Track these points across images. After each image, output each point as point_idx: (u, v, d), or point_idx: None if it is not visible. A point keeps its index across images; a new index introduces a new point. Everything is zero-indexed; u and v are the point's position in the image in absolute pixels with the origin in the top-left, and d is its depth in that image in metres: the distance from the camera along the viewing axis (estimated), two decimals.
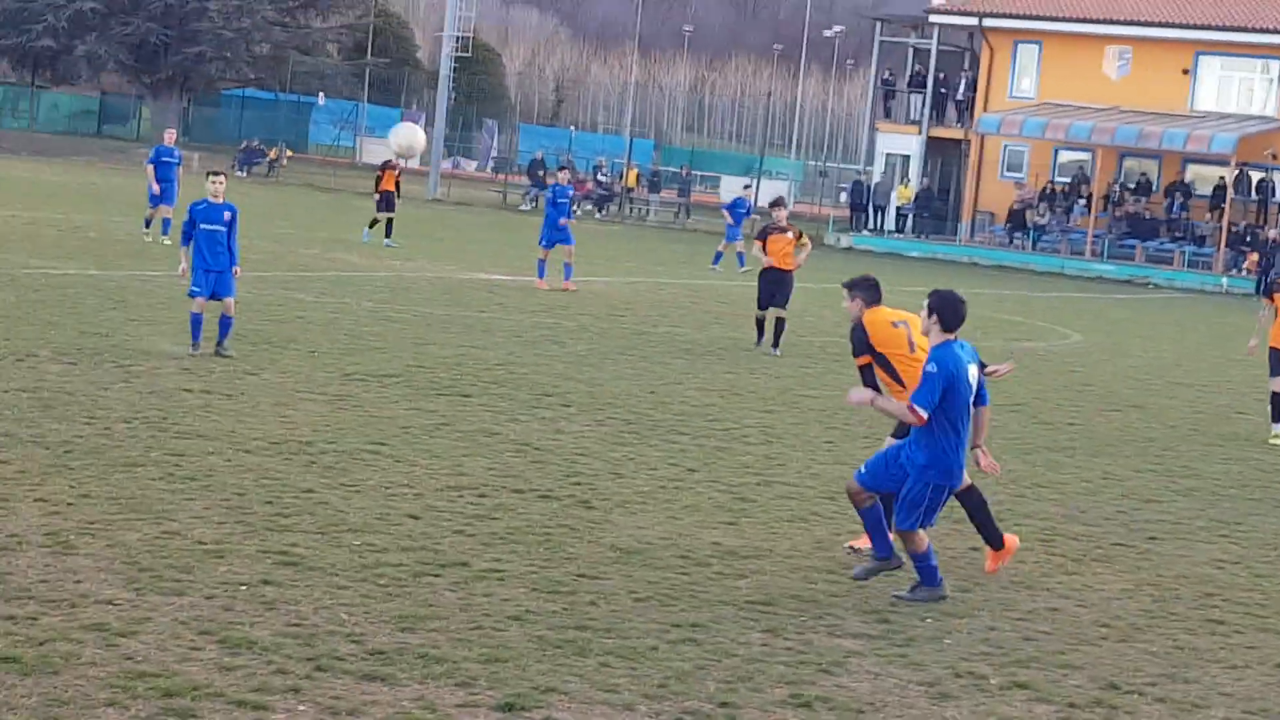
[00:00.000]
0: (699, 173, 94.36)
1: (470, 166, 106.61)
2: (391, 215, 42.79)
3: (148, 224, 37.22)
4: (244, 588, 10.74)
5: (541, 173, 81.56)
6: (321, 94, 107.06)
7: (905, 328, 13.44)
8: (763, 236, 27.87)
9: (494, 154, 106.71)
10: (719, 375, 23.79)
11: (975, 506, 13.25)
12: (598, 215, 77.40)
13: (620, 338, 27.48)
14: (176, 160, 37.23)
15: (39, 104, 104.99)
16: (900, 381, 13.26)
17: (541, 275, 34.95)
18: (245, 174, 78.78)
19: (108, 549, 11.31)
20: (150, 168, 36.84)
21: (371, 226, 42.95)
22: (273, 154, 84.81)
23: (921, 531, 12.07)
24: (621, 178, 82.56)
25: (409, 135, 15.49)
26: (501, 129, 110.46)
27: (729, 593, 11.83)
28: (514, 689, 9.30)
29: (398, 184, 43.65)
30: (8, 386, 17.03)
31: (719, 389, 22.34)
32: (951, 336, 12.08)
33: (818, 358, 27.41)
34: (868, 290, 13.63)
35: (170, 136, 38.27)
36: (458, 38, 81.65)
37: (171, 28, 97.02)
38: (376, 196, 43.31)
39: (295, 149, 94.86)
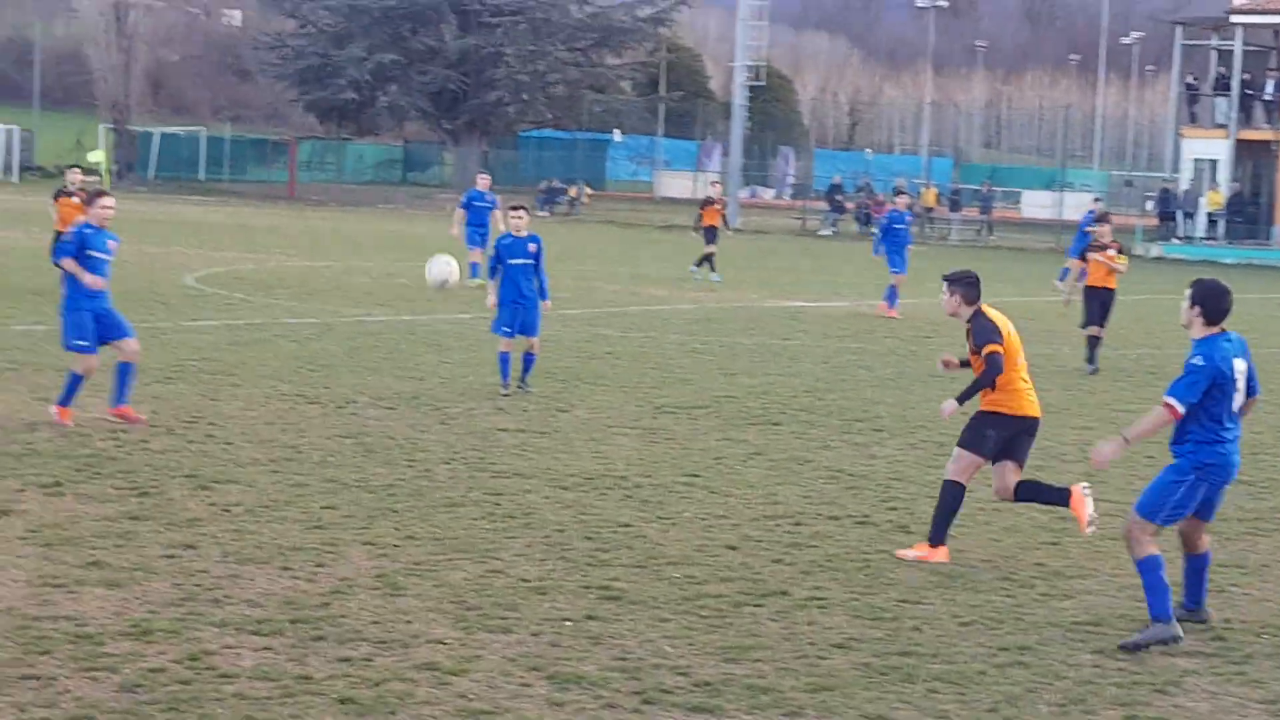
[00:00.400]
0: (1000, 189, 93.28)
1: (767, 194, 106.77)
2: (713, 250, 42.74)
3: (475, 270, 36.22)
4: (569, 623, 10.85)
5: (839, 197, 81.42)
6: (617, 130, 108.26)
7: (1015, 333, 13.50)
8: (1083, 254, 27.45)
9: (791, 180, 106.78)
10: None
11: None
12: None
13: (928, 359, 27.21)
14: (489, 204, 37.06)
15: (345, 156, 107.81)
16: (993, 384, 13.21)
17: (893, 304, 34.60)
18: (547, 213, 79.88)
19: (435, 589, 11.51)
20: (461, 212, 37.01)
21: (700, 263, 42.70)
22: (572, 192, 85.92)
23: (1153, 534, 11.18)
24: (920, 198, 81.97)
25: (442, 271, 15.58)
26: (797, 155, 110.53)
27: (1055, 614, 11.64)
28: (842, 717, 9.25)
29: (723, 218, 43.78)
30: (330, 433, 17.47)
31: None
32: (1217, 329, 11.23)
33: (1132, 372, 26.88)
34: (969, 288, 13.63)
35: (484, 181, 38.12)
36: (750, 67, 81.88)
37: (469, 74, 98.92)
38: (697, 232, 43.33)
39: (594, 186, 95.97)
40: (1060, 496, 13.40)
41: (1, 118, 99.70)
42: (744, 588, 11.95)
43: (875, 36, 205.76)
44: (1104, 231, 27.31)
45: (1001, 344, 13.29)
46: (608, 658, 10.17)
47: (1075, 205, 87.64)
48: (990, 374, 13.21)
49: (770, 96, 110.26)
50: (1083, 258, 27.37)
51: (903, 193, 37.63)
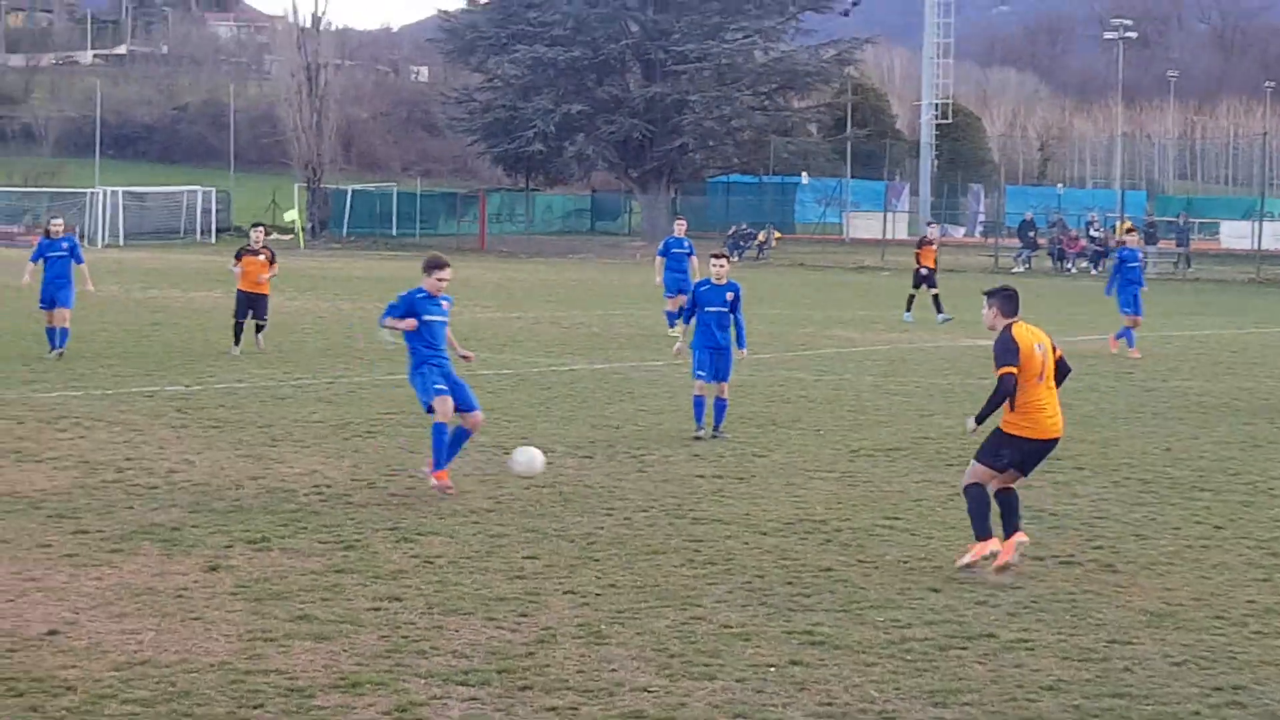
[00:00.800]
0: (1196, 220, 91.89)
1: (958, 232, 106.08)
2: (936, 291, 42.35)
3: (671, 319, 35.94)
4: (773, 669, 10.80)
5: (1032, 233, 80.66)
6: (805, 173, 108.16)
7: (1041, 353, 13.74)
8: None
9: (981, 218, 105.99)
10: (1236, 428, 23.03)
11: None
12: (1094, 271, 75.98)
13: (1128, 395, 26.87)
14: (687, 250, 36.90)
15: (534, 206, 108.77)
16: (1013, 404, 13.64)
17: (1131, 344, 33.73)
18: (737, 258, 79.92)
19: (638, 637, 11.52)
20: (660, 260, 36.85)
21: (934, 302, 42.30)
22: (761, 236, 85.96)
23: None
24: (1115, 232, 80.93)
25: (526, 463, 15.42)
26: (987, 192, 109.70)
27: (1270, 652, 11.38)
28: None
29: (935, 259, 43.56)
30: (529, 483, 17.56)
31: (1238, 442, 21.62)
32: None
33: None
34: (1005, 301, 13.89)
35: (681, 227, 37.98)
36: (936, 104, 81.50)
37: (654, 122, 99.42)
38: (922, 271, 42.96)
39: (782, 230, 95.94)
40: (1011, 527, 13.80)
41: (199, 180, 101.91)
42: (949, 630, 11.83)
43: (1063, 70, 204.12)
44: None
45: (1016, 366, 13.64)
46: (813, 704, 10.11)
47: (1274, 235, 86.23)
48: (999, 396, 13.66)
49: (958, 134, 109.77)
50: None
51: (1133, 230, 36.30)
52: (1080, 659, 11.15)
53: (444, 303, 17.46)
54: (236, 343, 30.70)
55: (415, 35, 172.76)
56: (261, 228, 32.66)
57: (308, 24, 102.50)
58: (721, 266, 21.41)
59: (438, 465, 17.02)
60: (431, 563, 13.68)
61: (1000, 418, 13.89)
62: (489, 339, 34.84)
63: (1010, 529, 13.78)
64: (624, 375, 28.19)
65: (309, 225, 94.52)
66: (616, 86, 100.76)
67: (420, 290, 17.29)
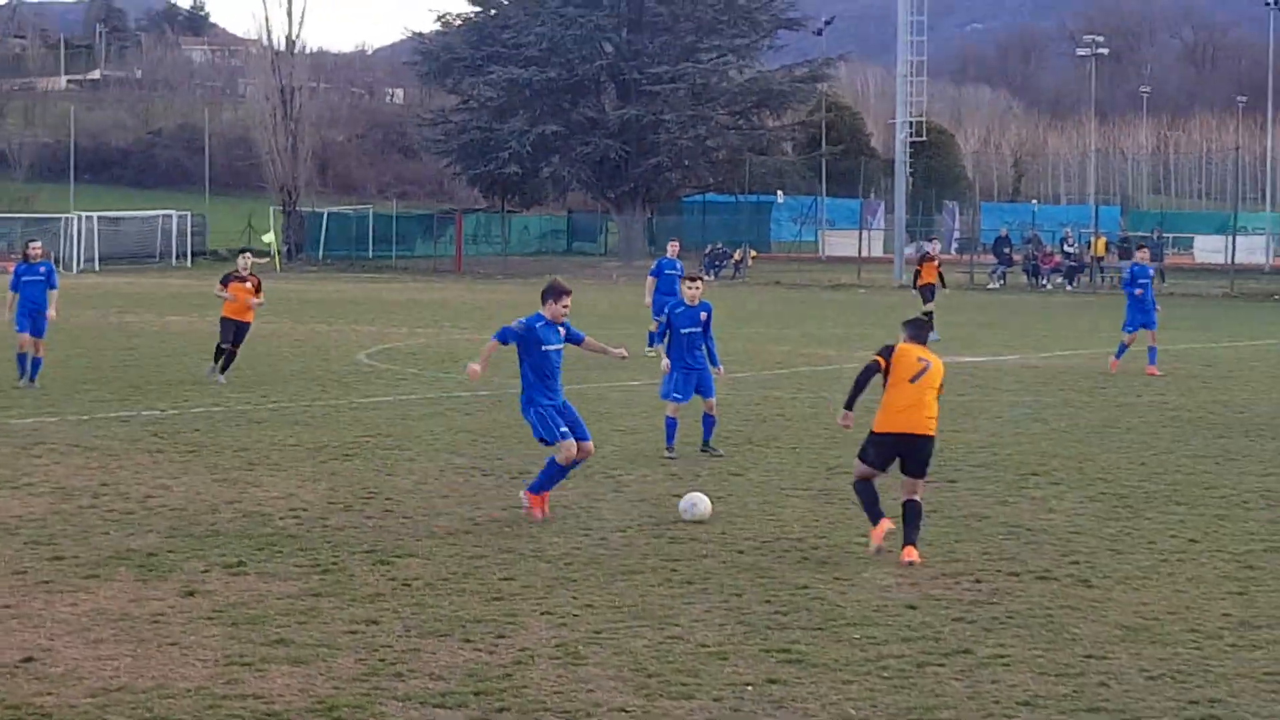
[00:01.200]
0: (1170, 235, 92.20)
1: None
2: (931, 308, 42.22)
3: (653, 339, 35.96)
4: (750, 688, 10.81)
5: (1007, 250, 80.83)
6: (780, 192, 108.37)
7: (922, 363, 15.24)
8: None
9: (956, 235, 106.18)
10: (1211, 442, 23.10)
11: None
12: (1069, 287, 76.21)
13: (1103, 410, 26.94)
14: (680, 272, 36.66)
15: (510, 228, 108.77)
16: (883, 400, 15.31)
17: (1118, 356, 33.43)
18: (713, 277, 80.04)
19: (615, 657, 11.52)
20: (651, 280, 36.61)
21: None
22: (737, 255, 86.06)
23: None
24: (1090, 247, 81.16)
25: (697, 508, 15.12)
26: (962, 209, 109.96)
27: (1245, 665, 11.42)
28: None
29: (940, 276, 43.46)
30: (505, 504, 17.57)
31: (1212, 456, 21.69)
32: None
33: None
34: (910, 329, 15.63)
35: (674, 249, 37.80)
36: (910, 122, 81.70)
37: (630, 143, 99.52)
38: (915, 291, 42.90)
39: (758, 248, 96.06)
40: (906, 539, 14.94)
41: (174, 204, 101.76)
42: (925, 647, 11.85)
43: (1036, 86, 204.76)
44: None
45: (885, 359, 15.29)
46: None
47: (1248, 249, 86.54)
48: (860, 381, 15.40)
49: (932, 151, 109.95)
50: None
51: (1144, 246, 35.59)
52: (1056, 674, 11.18)
53: (561, 329, 17.21)
54: (217, 364, 29.97)
55: (390, 58, 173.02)
56: (249, 254, 32.36)
57: (282, 47, 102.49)
58: (695, 289, 21.54)
59: (535, 489, 16.89)
60: (408, 585, 13.67)
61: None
62: (466, 360, 34.78)
63: (905, 539, 14.93)
64: (600, 395, 28.20)
65: (285, 248, 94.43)
66: (591, 107, 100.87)
67: (540, 317, 17.02)
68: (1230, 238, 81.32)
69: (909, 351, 15.35)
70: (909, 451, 15.23)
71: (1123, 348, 33.59)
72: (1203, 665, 11.43)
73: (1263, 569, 14.58)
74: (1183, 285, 75.10)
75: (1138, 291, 33.45)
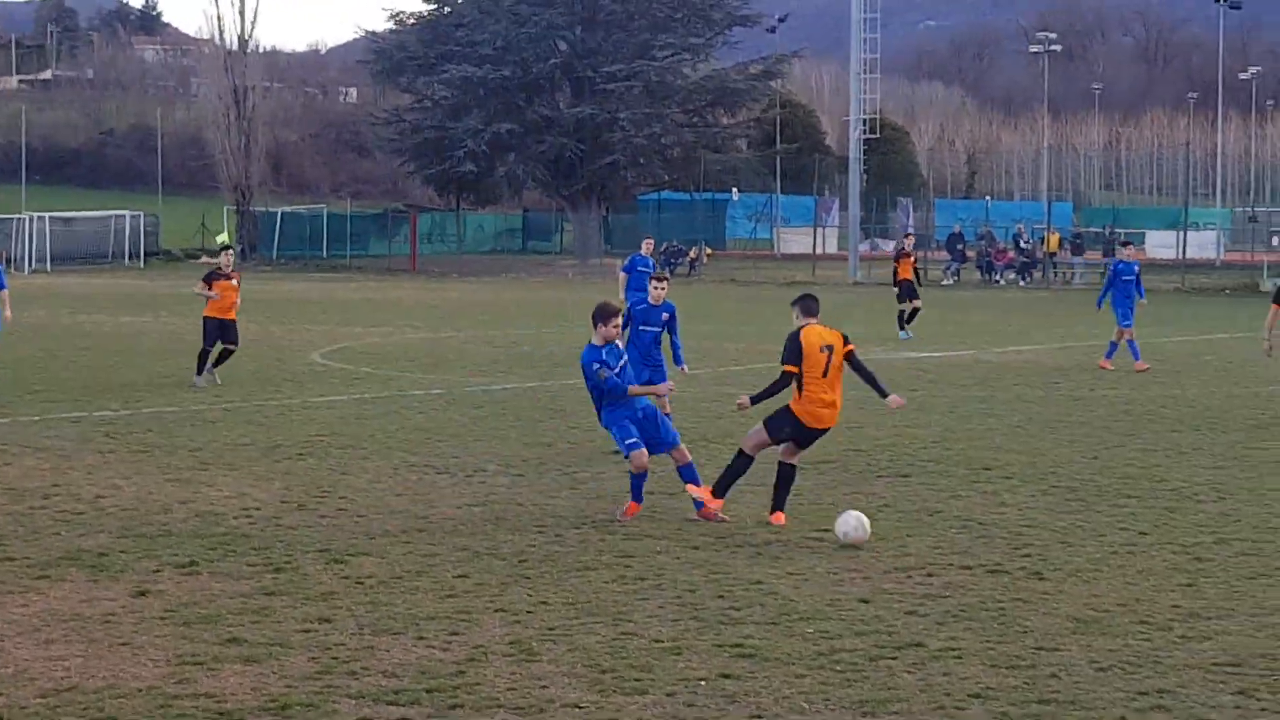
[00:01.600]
0: (1122, 230, 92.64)
1: (888, 246, 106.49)
2: (918, 305, 42.04)
3: None
4: (703, 682, 10.84)
5: (960, 246, 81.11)
6: (735, 189, 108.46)
7: (826, 354, 16.09)
8: None
9: (910, 232, 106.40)
10: (1161, 436, 23.23)
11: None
12: (1021, 283, 76.50)
13: (1056, 405, 27.07)
14: (651, 269, 36.53)
15: (465, 227, 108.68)
16: (800, 390, 16.12)
17: (1136, 355, 32.98)
18: (668, 274, 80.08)
19: (569, 653, 11.54)
20: (623, 276, 36.45)
21: (909, 320, 41.92)
22: (693, 253, 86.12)
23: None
24: (1043, 243, 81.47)
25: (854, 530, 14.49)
26: (916, 206, 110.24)
27: (1194, 656, 11.50)
28: None
29: (916, 271, 43.23)
30: (460, 502, 17.58)
31: (1163, 449, 21.81)
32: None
33: (1265, 405, 26.55)
34: (802, 303, 16.37)
35: (648, 246, 37.64)
36: (864, 119, 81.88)
37: (585, 141, 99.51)
38: (896, 288, 42.70)
39: (714, 246, 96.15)
40: (778, 503, 16.38)
41: (127, 204, 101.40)
42: (878, 640, 11.90)
43: (990, 83, 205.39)
44: None
45: (797, 366, 16.10)
46: (743, 715, 10.15)
47: (1199, 244, 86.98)
48: (774, 387, 16.26)
49: (886, 148, 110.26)
50: None
51: (1129, 243, 35.21)
52: (1008, 666, 11.23)
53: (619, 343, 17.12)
54: (200, 372, 29.27)
55: (344, 56, 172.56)
56: (231, 250, 31.88)
57: (234, 46, 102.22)
58: (661, 288, 21.58)
59: (635, 499, 16.86)
60: (362, 583, 13.67)
61: (791, 397, 16.31)
62: (420, 359, 34.81)
63: (777, 504, 16.34)
64: (555, 393, 28.22)
65: (239, 248, 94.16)
66: (546, 106, 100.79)
67: (595, 351, 16.77)
68: (1181, 233, 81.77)
69: (812, 343, 16.15)
70: (814, 438, 16.58)
71: (1131, 344, 33.04)
72: (1152, 656, 11.50)
73: (1211, 561, 14.68)
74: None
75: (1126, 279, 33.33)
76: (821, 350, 16.20)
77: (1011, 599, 13.20)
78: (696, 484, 16.82)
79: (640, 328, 21.30)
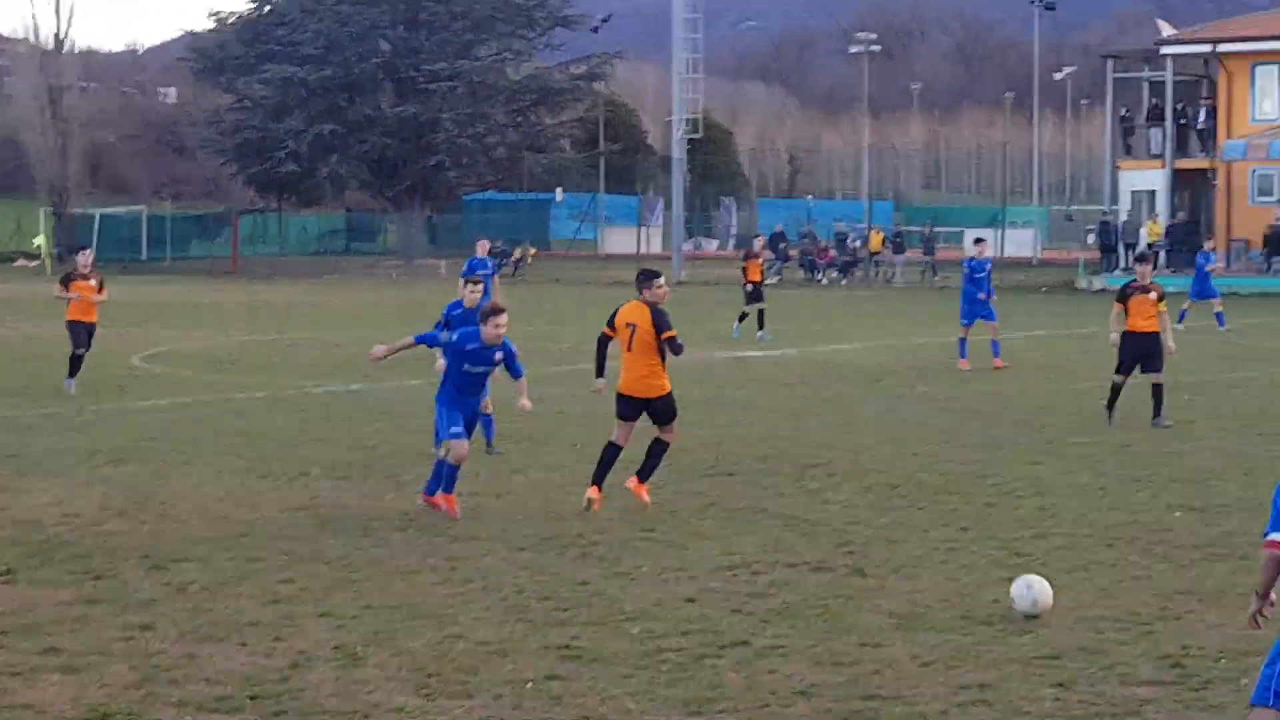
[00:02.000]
0: (942, 229, 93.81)
1: (711, 246, 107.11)
2: (763, 306, 41.84)
3: None
4: (530, 684, 10.84)
5: (783, 245, 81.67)
6: (559, 189, 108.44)
7: (630, 330, 17.02)
8: (1124, 298, 24.53)
9: (734, 231, 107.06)
10: (981, 433, 23.56)
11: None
12: (843, 281, 77.23)
13: (879, 403, 27.35)
14: (491, 271, 36.24)
15: (288, 228, 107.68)
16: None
17: (963, 355, 33.12)
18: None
19: (394, 657, 11.49)
20: (462, 281, 36.05)
21: (741, 320, 41.95)
22: (517, 253, 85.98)
23: None
24: (865, 242, 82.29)
25: (1037, 600, 12.92)
26: (739, 205, 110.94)
27: (1014, 650, 11.67)
28: None
29: (762, 273, 43.15)
30: (284, 507, 17.43)
31: (982, 446, 22.12)
32: None
33: (1082, 401, 27.01)
34: (638, 277, 17.44)
35: (483, 248, 37.41)
36: (687, 120, 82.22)
37: (408, 141, 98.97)
38: (748, 288, 42.53)
39: (538, 246, 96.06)
40: (643, 472, 17.38)
41: None
42: (704, 640, 11.96)
43: (811, 84, 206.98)
44: (1145, 273, 24.69)
45: (608, 328, 17.31)
46: (570, 717, 10.17)
47: (1017, 243, 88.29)
48: (597, 354, 17.70)
49: (709, 148, 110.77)
50: (1124, 301, 24.48)
51: (981, 240, 35.53)
52: (832, 663, 11.34)
53: (498, 354, 17.33)
54: (72, 375, 28.46)
55: (163, 56, 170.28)
56: (88, 249, 31.05)
57: (50, 45, 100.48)
58: (475, 293, 21.21)
59: (446, 489, 16.92)
60: (184, 590, 13.51)
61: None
62: (243, 362, 34.47)
63: (641, 473, 17.38)
64: (380, 396, 28.06)
65: (56, 251, 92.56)
66: (369, 105, 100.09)
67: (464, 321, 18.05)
68: (1000, 231, 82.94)
69: (621, 316, 17.17)
70: (648, 409, 17.24)
71: (963, 344, 33.28)
72: (973, 651, 11.66)
73: (1031, 555, 14.91)
74: (955, 279, 76.36)
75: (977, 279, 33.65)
76: (627, 326, 17.08)
77: (835, 596, 13.33)
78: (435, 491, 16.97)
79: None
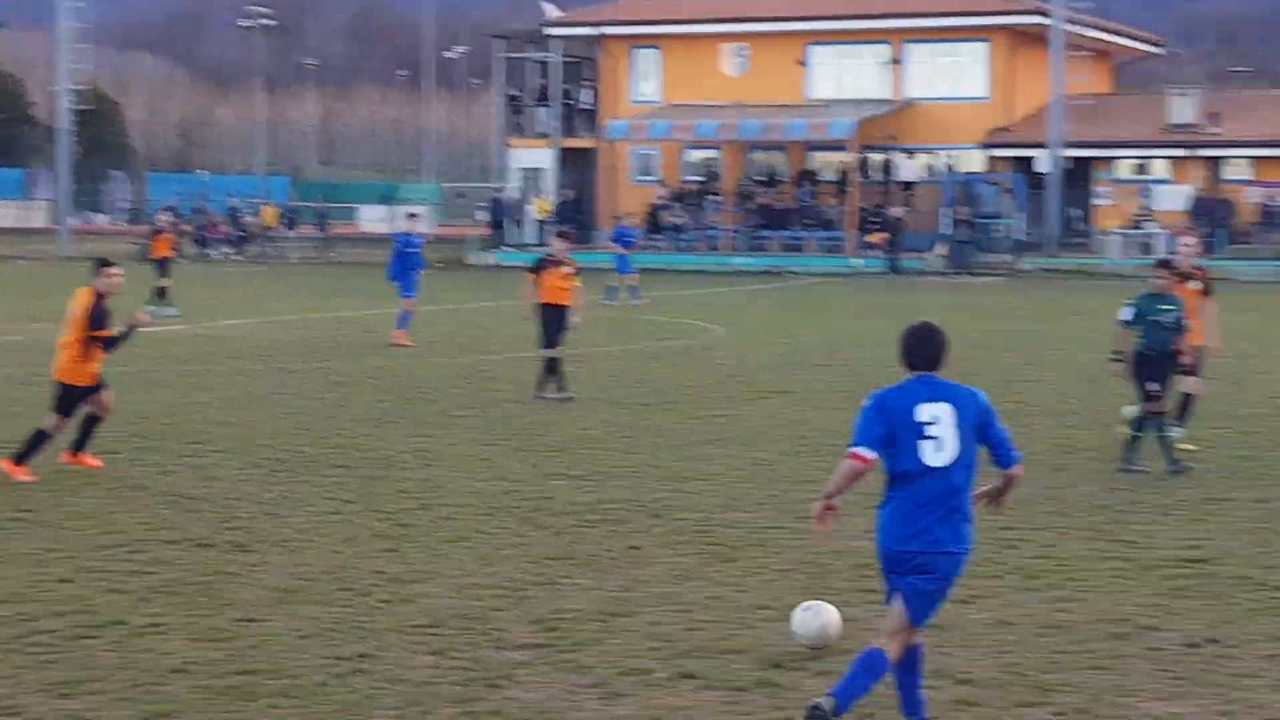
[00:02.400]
0: (337, 205, 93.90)
1: (101, 220, 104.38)
2: (168, 283, 40.90)
3: None
4: None
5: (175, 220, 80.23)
6: None
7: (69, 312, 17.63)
8: (537, 270, 24.88)
9: (126, 205, 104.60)
10: (371, 406, 23.68)
11: None
12: (235, 257, 76.48)
13: (271, 377, 27.19)
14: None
15: None
16: None
17: (404, 327, 32.84)
18: None
19: None
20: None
21: (162, 295, 40.35)
22: None
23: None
24: (260, 217, 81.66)
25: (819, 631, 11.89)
26: (131, 179, 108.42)
27: (394, 619, 11.80)
28: None
29: (175, 249, 42.11)
30: None
31: (372, 419, 22.24)
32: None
33: (472, 374, 27.46)
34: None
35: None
36: (74, 90, 79.89)
37: None
38: (154, 265, 41.19)
39: None
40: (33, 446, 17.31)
41: None
42: (79, 620, 11.68)
43: (202, 57, 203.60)
44: (561, 248, 25.19)
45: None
46: None
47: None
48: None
49: (98, 120, 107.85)
50: (536, 273, 24.76)
51: (415, 215, 35.22)
52: (210, 639, 11.23)
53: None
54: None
55: None
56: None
57: None
58: None
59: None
60: None
61: None
62: None
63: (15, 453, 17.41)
64: None
65: None
66: None
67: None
68: (392, 208, 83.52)
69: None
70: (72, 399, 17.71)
71: (406, 316, 33.19)
72: (354, 622, 11.73)
73: (414, 525, 15.09)
74: (349, 255, 76.56)
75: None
76: (69, 307, 17.57)
77: (217, 572, 13.20)
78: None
79: None
